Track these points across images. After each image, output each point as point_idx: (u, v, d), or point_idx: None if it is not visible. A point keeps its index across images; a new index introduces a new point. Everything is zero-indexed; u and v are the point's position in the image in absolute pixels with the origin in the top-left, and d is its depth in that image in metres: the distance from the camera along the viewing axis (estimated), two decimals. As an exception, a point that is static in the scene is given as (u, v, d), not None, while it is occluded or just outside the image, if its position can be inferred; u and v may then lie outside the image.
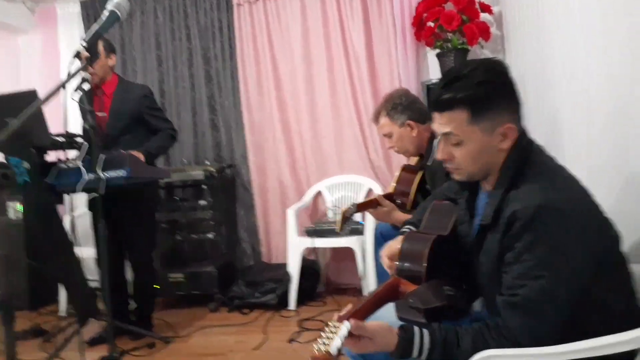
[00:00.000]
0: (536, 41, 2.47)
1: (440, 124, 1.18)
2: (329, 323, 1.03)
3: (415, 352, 1.09)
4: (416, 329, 1.12)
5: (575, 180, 1.17)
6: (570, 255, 1.05)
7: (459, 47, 3.26)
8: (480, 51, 3.50)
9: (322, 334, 1.00)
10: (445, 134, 1.18)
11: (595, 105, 1.73)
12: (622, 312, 1.10)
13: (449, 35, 3.27)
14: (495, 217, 1.16)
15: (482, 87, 1.12)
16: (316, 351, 0.95)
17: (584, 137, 1.84)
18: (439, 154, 1.23)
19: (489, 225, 1.18)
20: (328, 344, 0.96)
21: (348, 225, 2.28)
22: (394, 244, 1.62)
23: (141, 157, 2.91)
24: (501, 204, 1.15)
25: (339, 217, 2.25)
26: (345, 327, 1.00)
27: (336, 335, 0.98)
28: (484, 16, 3.30)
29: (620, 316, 1.09)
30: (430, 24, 3.29)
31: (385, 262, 1.54)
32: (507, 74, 1.17)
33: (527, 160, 1.17)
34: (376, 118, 2.45)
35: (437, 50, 3.37)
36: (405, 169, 2.52)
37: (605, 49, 1.62)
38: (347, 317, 1.10)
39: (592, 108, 1.76)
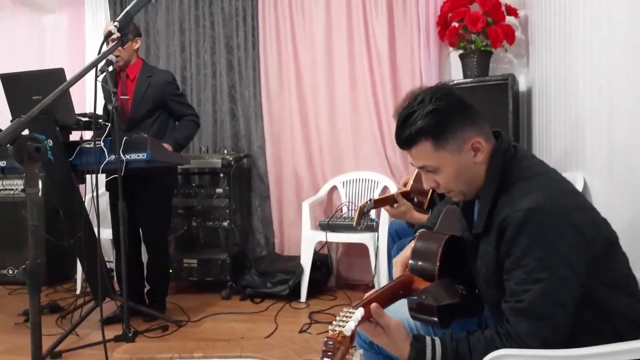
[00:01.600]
0: (561, 47, 2.47)
1: (412, 159, 1.25)
2: (344, 309, 1.06)
3: None
4: (428, 338, 1.13)
5: (562, 181, 1.19)
6: (566, 255, 1.07)
7: (483, 49, 3.25)
8: (504, 54, 3.49)
9: (337, 317, 1.02)
10: (421, 167, 1.24)
11: (618, 112, 1.73)
12: (624, 311, 1.11)
13: (473, 36, 3.26)
14: (487, 224, 1.18)
15: (433, 115, 1.16)
16: (331, 332, 0.98)
17: (606, 143, 1.84)
18: (425, 185, 1.28)
19: (481, 233, 1.21)
20: (343, 326, 0.98)
21: (365, 220, 2.28)
22: (409, 252, 1.63)
23: (169, 148, 2.96)
24: (491, 212, 1.17)
25: (356, 212, 2.26)
26: (359, 312, 1.03)
27: (350, 319, 1.00)
28: (509, 19, 3.28)
29: (623, 316, 1.10)
30: (455, 24, 3.28)
31: (397, 270, 1.55)
32: (453, 94, 1.19)
33: (510, 166, 1.19)
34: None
35: (461, 51, 3.36)
36: None
37: (630, 56, 1.62)
38: (363, 304, 1.12)
39: (614, 115, 1.76)
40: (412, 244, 1.49)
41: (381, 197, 2.38)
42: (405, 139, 1.20)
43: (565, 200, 1.11)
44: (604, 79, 1.85)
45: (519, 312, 1.08)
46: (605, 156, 1.86)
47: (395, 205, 2.32)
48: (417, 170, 2.52)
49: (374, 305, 1.07)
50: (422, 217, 2.32)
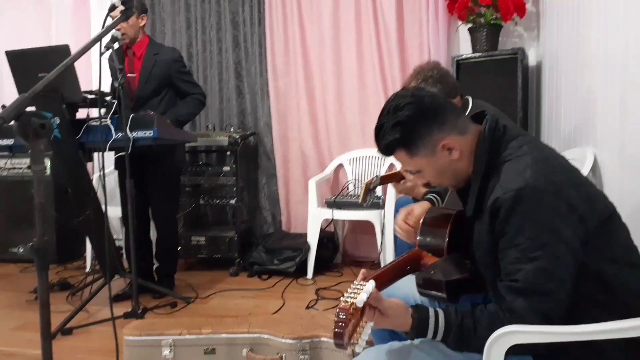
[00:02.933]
0: (573, 19, 2.41)
1: (398, 163, 1.30)
2: (355, 282, 1.05)
3: (430, 334, 1.11)
4: (431, 309, 1.13)
5: (553, 157, 1.18)
6: (560, 230, 1.06)
7: (492, 22, 3.19)
8: (514, 27, 3.42)
9: (348, 289, 1.02)
10: (406, 171, 1.31)
11: (632, 85, 1.69)
12: (623, 283, 1.10)
13: (483, 9, 3.20)
14: (479, 207, 1.19)
15: (398, 127, 1.19)
16: (343, 303, 0.98)
17: (618, 118, 1.81)
18: (418, 183, 1.35)
19: (473, 216, 1.21)
20: (355, 298, 0.98)
21: (371, 197, 2.28)
22: (416, 209, 1.63)
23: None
24: (482, 194, 1.18)
25: (362, 188, 2.25)
26: (370, 284, 1.02)
27: (362, 291, 1.00)
28: (520, -9, 3.21)
29: (621, 288, 1.10)
30: (465, -4, 3.21)
31: (402, 225, 1.54)
32: (414, 101, 1.20)
33: (498, 147, 1.19)
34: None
35: (470, 25, 3.30)
36: None
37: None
38: (373, 276, 1.12)
39: (627, 88, 1.73)
40: (422, 203, 1.49)
41: (388, 173, 2.37)
42: (382, 150, 1.25)
43: (556, 177, 1.10)
44: (617, 52, 1.81)
45: (514, 291, 1.07)
46: (617, 131, 1.83)
47: (402, 181, 2.31)
48: None
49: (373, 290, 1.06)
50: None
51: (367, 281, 1.04)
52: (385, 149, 1.24)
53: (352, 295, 0.99)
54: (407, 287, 1.34)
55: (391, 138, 1.20)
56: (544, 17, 3.17)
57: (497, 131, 1.21)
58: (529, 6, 3.29)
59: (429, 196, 1.67)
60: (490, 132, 1.20)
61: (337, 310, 0.97)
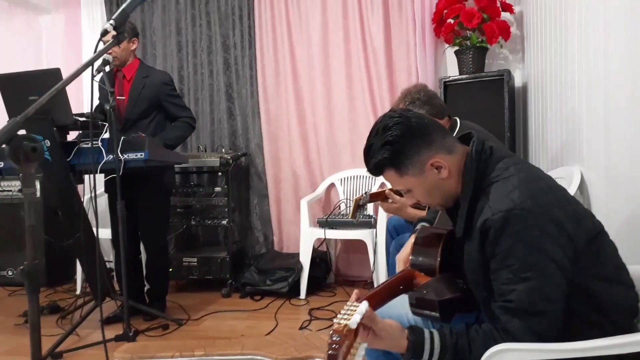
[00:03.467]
0: (556, 41, 2.48)
1: (388, 183, 1.33)
2: (348, 303, 1.06)
3: (426, 355, 1.11)
4: (426, 330, 1.14)
5: (540, 178, 1.20)
6: (549, 250, 1.08)
7: (478, 45, 3.27)
8: (499, 50, 3.50)
9: (342, 311, 1.03)
10: (395, 191, 1.30)
11: (614, 105, 1.74)
12: (614, 302, 1.12)
13: (469, 32, 3.28)
14: (468, 228, 1.21)
15: (387, 147, 1.22)
16: (336, 325, 0.98)
17: (603, 137, 1.85)
18: (407, 202, 1.37)
19: (463, 237, 1.23)
20: (348, 319, 0.99)
21: (360, 213, 2.29)
22: (410, 248, 1.64)
23: None
24: (470, 215, 1.19)
25: (352, 205, 2.27)
26: (363, 305, 1.03)
27: (355, 313, 1.01)
28: (504, 15, 3.30)
29: (613, 307, 1.12)
30: (451, 20, 3.29)
31: (401, 267, 1.55)
32: (403, 122, 1.23)
33: (486, 168, 1.22)
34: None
35: (456, 48, 3.37)
36: None
37: (627, 50, 1.63)
38: (366, 297, 1.12)
39: (611, 108, 1.77)
40: (412, 239, 1.50)
41: (377, 190, 2.38)
42: (371, 170, 1.28)
43: (543, 198, 1.12)
44: (600, 73, 1.86)
45: (509, 311, 1.09)
46: (602, 149, 1.87)
47: (389, 200, 2.32)
48: None
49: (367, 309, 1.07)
50: (417, 213, 2.32)
51: (361, 302, 1.05)
52: (375, 169, 1.26)
53: (346, 316, 1.00)
54: (400, 306, 1.35)
55: (380, 157, 1.22)
56: (529, 40, 3.26)
57: (483, 153, 1.23)
58: (513, 29, 3.37)
59: (418, 227, 1.68)
60: (477, 154, 1.23)
61: (331, 332, 0.97)
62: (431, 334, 1.13)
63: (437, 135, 1.24)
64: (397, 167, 1.23)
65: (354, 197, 3.74)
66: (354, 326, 0.98)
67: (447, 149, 1.24)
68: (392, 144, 1.21)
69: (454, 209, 1.30)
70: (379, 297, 1.23)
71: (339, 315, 1.01)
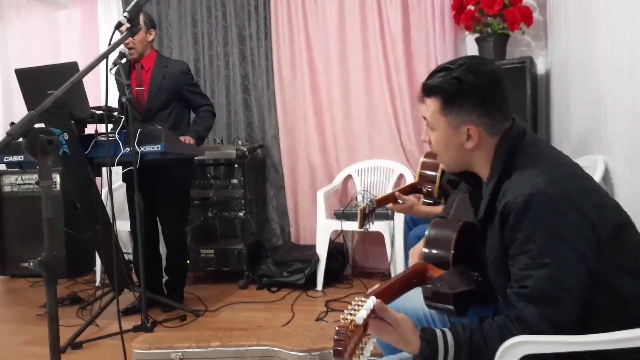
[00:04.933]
0: (581, 26, 2.40)
1: (423, 107, 1.27)
2: (356, 298, 1.04)
3: (440, 355, 1.07)
4: (438, 330, 1.10)
5: (568, 164, 1.16)
6: (570, 238, 1.04)
7: (499, 31, 3.18)
8: (521, 37, 3.41)
9: (349, 306, 1.00)
10: (424, 117, 1.27)
11: (641, 90, 1.68)
12: (636, 296, 1.07)
13: (490, 19, 3.19)
14: (490, 210, 1.17)
15: (455, 82, 1.16)
16: (342, 321, 0.96)
17: (629, 124, 1.79)
18: (423, 135, 1.32)
19: (485, 220, 1.19)
20: (354, 315, 0.96)
21: (368, 221, 2.16)
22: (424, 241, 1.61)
23: (192, 141, 2.99)
24: (494, 197, 1.16)
25: (359, 214, 2.13)
26: (371, 301, 1.01)
27: (362, 308, 0.98)
28: (527, 0, 3.22)
29: (635, 301, 1.07)
30: (471, 7, 3.21)
31: (414, 261, 1.51)
32: (488, 78, 1.17)
33: (516, 151, 1.17)
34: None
35: (477, 35, 3.30)
36: (428, 154, 2.42)
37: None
38: (374, 293, 1.10)
39: (636, 94, 1.71)
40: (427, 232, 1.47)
41: (383, 196, 2.28)
42: (426, 87, 1.22)
43: (568, 184, 1.09)
44: (626, 59, 1.80)
45: (524, 298, 1.05)
46: (627, 138, 1.81)
47: (399, 201, 2.26)
48: (422, 159, 2.47)
49: (377, 302, 1.04)
50: (429, 210, 2.27)
51: (368, 297, 1.03)
52: (429, 88, 1.21)
53: (352, 312, 0.98)
54: (416, 299, 1.32)
55: (442, 84, 1.18)
56: (551, 26, 3.17)
57: (518, 137, 1.19)
58: (536, 15, 3.28)
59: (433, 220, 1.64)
60: (512, 139, 1.19)
61: (337, 328, 0.95)
62: (443, 332, 1.09)
63: (497, 114, 1.19)
64: (445, 103, 1.19)
65: (371, 189, 3.73)
66: (360, 322, 0.96)
67: (492, 129, 1.19)
68: (462, 84, 1.16)
69: (476, 194, 1.27)
70: (391, 291, 1.20)
71: (345, 311, 0.98)
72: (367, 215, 2.14)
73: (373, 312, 1.03)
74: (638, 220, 1.18)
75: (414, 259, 1.46)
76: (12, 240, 4.06)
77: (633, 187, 1.77)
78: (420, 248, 1.45)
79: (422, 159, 2.43)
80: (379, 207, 2.22)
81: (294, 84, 3.97)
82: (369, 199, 2.18)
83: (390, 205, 2.29)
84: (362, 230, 2.18)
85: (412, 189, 2.39)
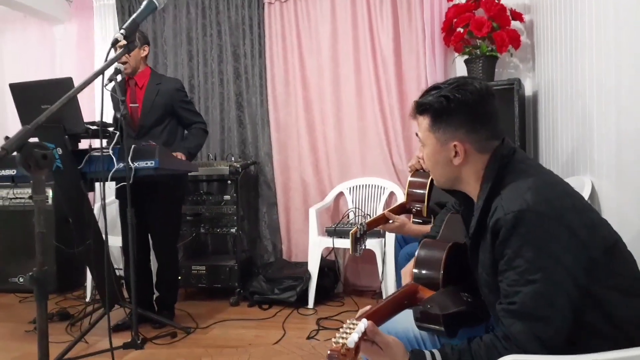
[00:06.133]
0: (567, 49, 2.46)
1: (416, 124, 1.33)
2: (347, 321, 1.05)
3: None
4: (427, 352, 1.11)
5: (557, 182, 1.19)
6: (559, 255, 1.05)
7: (488, 53, 3.25)
8: (509, 59, 3.49)
9: (340, 329, 1.01)
10: (417, 135, 1.33)
11: (626, 114, 1.72)
12: (627, 315, 1.08)
13: (478, 41, 3.26)
14: (480, 227, 1.19)
15: (442, 100, 1.22)
16: (334, 344, 0.97)
17: (614, 146, 1.83)
18: (417, 151, 1.35)
19: (477, 237, 1.21)
20: (346, 338, 0.98)
21: (360, 245, 2.14)
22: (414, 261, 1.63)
23: (183, 157, 2.99)
24: (485, 214, 1.18)
25: (350, 238, 2.11)
26: (362, 324, 1.02)
27: (354, 331, 0.99)
28: (514, 24, 3.28)
29: (626, 320, 1.08)
30: (460, 29, 3.28)
31: (406, 280, 1.53)
32: (474, 95, 1.21)
33: (505, 169, 1.20)
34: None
35: (466, 57, 3.36)
36: (415, 173, 2.47)
37: (637, 56, 1.61)
38: (365, 315, 1.11)
39: (622, 117, 1.75)
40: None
41: (373, 219, 2.29)
42: (418, 105, 1.28)
43: (558, 202, 1.10)
44: (611, 81, 1.84)
45: (512, 314, 1.06)
46: (613, 159, 1.84)
47: (390, 221, 2.28)
48: (410, 179, 2.50)
49: (369, 324, 1.05)
50: (419, 229, 2.29)
51: (360, 320, 1.04)
52: (420, 106, 1.27)
53: (344, 335, 0.99)
54: (406, 321, 1.33)
55: (432, 102, 1.23)
56: (539, 48, 3.24)
57: (508, 155, 1.22)
58: (523, 38, 3.36)
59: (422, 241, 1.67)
60: (502, 157, 1.21)
61: (329, 352, 0.96)
62: (432, 354, 1.10)
63: (484, 131, 1.23)
64: (434, 121, 1.24)
65: (363, 206, 3.75)
66: (351, 345, 0.97)
67: (479, 146, 1.23)
68: (450, 102, 1.21)
69: (468, 213, 1.29)
70: (382, 313, 1.21)
71: (337, 334, 1.00)
72: (359, 240, 2.14)
73: (364, 334, 1.04)
74: (626, 240, 1.20)
75: (406, 279, 1.48)
76: (2, 255, 4.02)
77: (620, 208, 1.80)
78: (410, 267, 1.46)
79: (409, 178, 2.47)
80: (369, 230, 2.20)
81: (287, 101, 4.02)
82: (359, 223, 2.17)
83: (381, 225, 2.31)
84: (356, 254, 2.15)
85: (402, 209, 2.41)
